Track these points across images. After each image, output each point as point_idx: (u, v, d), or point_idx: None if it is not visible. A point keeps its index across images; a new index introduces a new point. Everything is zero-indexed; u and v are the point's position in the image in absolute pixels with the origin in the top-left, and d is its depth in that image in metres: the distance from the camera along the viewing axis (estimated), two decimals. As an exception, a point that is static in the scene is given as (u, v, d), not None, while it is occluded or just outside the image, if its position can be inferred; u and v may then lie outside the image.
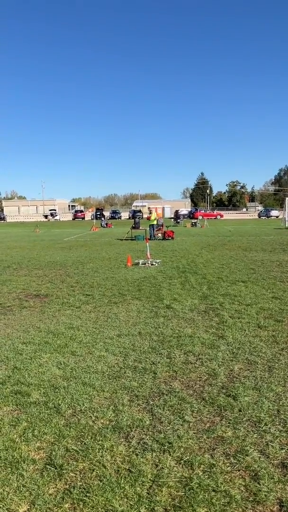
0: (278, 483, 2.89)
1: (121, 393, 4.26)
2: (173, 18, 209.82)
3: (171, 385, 4.45)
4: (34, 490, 2.85)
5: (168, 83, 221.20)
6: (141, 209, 78.06)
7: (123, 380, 4.59)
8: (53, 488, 2.88)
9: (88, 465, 3.12)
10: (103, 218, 54.30)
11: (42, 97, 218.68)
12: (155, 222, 26.20)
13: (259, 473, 3.00)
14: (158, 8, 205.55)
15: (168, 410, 3.92)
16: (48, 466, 3.10)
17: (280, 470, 3.04)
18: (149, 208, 33.30)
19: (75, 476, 2.99)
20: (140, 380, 4.58)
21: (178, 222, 47.86)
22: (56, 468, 3.07)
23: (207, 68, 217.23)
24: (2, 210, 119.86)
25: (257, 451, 3.27)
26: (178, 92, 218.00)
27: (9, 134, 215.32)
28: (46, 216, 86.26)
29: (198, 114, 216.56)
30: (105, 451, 3.27)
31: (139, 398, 4.17)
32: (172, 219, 40.10)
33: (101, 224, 46.29)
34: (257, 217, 75.77)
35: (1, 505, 2.72)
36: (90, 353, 5.42)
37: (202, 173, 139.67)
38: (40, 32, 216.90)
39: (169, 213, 46.30)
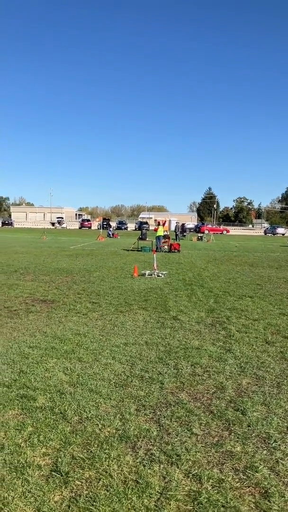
0: (289, 502, 2.81)
1: (128, 402, 4.20)
2: (176, 25, 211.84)
3: (178, 397, 4.39)
4: (39, 496, 2.79)
5: (178, 96, 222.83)
6: (148, 221, 78.27)
7: (130, 389, 4.53)
8: (59, 495, 2.82)
9: (95, 474, 3.06)
10: (109, 228, 54.39)
11: (54, 107, 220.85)
12: (161, 234, 26.18)
13: (269, 491, 2.92)
14: (160, 13, 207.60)
15: (176, 421, 3.86)
16: (53, 473, 3.04)
17: (291, 488, 2.96)
18: (155, 220, 33.35)
19: (81, 485, 2.93)
20: (147, 389, 4.52)
21: (184, 236, 47.87)
22: (62, 475, 3.01)
23: (217, 82, 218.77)
24: (10, 215, 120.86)
25: (267, 468, 3.19)
26: (188, 105, 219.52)
27: (20, 141, 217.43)
28: (53, 224, 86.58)
29: (208, 129, 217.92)
30: (112, 461, 3.21)
31: (146, 408, 4.11)
32: (176, 232, 40.05)
33: (108, 234, 46.36)
34: (263, 233, 75.66)
35: (6, 510, 2.66)
36: (97, 360, 5.36)
37: (209, 188, 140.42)
38: (41, 35, 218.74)
39: (173, 227, 46.34)
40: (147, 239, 28.91)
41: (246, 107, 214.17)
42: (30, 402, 4.12)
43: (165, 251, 24.88)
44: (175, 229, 41.38)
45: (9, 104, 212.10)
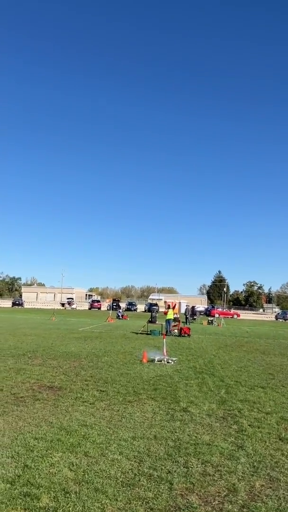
0: None
1: (135, 504, 4.01)
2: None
3: (188, 499, 4.18)
4: None
5: (187, 178, 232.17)
6: (157, 303, 78.11)
7: (137, 489, 4.34)
8: None
9: None
10: (119, 310, 54.31)
11: (65, 192, 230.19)
12: (172, 317, 26.03)
13: None
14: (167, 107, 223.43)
15: (185, 528, 3.65)
16: None
17: None
18: (165, 302, 33.51)
19: None
20: (155, 490, 4.32)
21: (194, 319, 47.44)
22: None
23: (227, 166, 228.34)
24: (21, 295, 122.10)
25: None
26: (197, 189, 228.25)
27: (35, 224, 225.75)
28: (63, 304, 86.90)
29: (216, 216, 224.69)
30: None
31: (155, 511, 3.90)
32: (186, 315, 39.71)
33: (117, 316, 46.21)
34: (274, 319, 74.65)
35: None
36: (104, 455, 5.18)
37: (219, 271, 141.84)
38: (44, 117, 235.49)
39: (183, 309, 46.56)
40: (157, 322, 28.75)
41: (254, 196, 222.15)
42: (34, 502, 3.96)
43: (175, 335, 24.58)
44: (185, 312, 41.17)
45: (29, 189, 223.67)
